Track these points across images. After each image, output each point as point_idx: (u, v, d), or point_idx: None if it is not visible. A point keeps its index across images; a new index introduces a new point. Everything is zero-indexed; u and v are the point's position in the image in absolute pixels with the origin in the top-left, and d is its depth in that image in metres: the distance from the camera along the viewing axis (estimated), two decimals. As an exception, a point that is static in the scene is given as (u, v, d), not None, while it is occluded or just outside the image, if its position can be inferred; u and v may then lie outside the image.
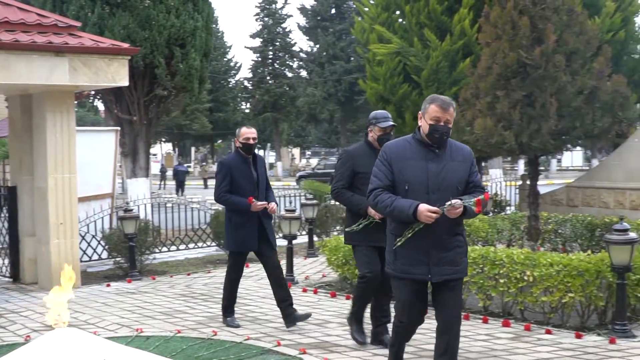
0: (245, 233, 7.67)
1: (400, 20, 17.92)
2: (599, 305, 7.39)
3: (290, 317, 7.65)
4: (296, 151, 74.93)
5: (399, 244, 5.00)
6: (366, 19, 18.55)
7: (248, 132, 7.75)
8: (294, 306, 7.76)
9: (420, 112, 5.10)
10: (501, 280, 7.75)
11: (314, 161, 65.70)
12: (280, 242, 12.96)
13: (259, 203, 7.56)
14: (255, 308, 8.76)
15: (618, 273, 7.04)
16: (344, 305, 8.61)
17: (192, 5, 15.80)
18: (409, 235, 4.95)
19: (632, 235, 7.10)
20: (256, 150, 8.04)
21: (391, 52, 16.69)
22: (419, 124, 5.11)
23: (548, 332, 7.25)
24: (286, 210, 11.04)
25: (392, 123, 6.78)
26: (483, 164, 20.80)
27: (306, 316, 7.71)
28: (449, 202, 4.80)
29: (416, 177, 5.02)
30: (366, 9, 18.88)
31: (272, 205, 7.75)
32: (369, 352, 6.71)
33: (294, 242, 10.92)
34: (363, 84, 19.04)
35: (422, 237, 4.96)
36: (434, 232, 4.94)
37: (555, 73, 10.11)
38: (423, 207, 4.82)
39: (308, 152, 79.28)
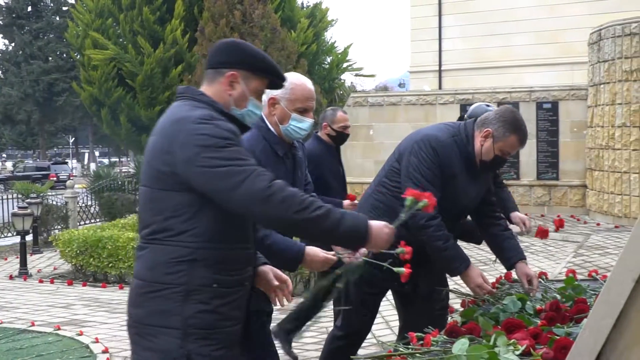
0: None
1: (115, 26, 18.77)
2: (304, 275, 9.05)
3: None
4: (-11, 154, 71.25)
5: None
6: (80, 25, 19.12)
7: (347, 119, 5.87)
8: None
9: (488, 128, 3.75)
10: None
11: (9, 164, 62.99)
12: (14, 240, 13.46)
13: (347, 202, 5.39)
14: (-2, 299, 9.36)
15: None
16: (83, 290, 9.60)
17: None
18: None
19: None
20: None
21: (107, 57, 17.50)
22: (479, 142, 3.78)
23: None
24: (19, 208, 11.58)
25: None
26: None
27: None
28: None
29: (455, 202, 3.82)
30: (67, 8, 19.41)
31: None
32: (117, 325, 7.66)
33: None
34: (77, 87, 19.57)
35: None
36: None
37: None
38: (474, 274, 3.69)
39: (3, 155, 75.61)
